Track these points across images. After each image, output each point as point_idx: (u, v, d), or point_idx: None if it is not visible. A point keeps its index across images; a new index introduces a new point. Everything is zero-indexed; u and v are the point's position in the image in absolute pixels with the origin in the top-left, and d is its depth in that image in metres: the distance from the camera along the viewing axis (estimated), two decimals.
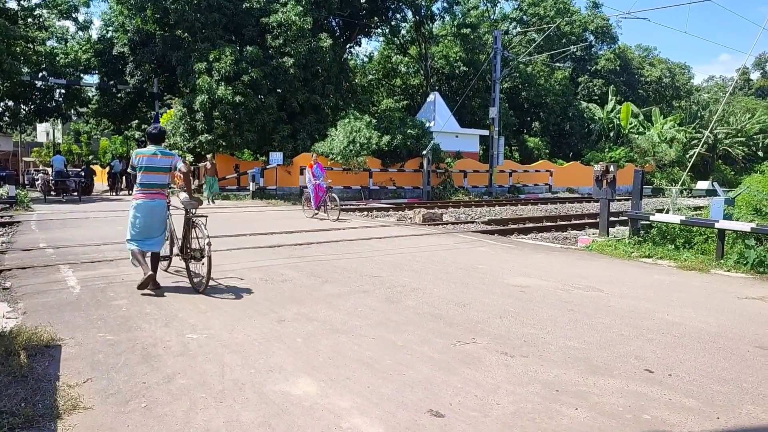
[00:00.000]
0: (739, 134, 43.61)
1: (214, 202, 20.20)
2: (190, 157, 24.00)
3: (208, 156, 21.47)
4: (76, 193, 21.18)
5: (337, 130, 24.50)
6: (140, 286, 6.01)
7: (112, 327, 4.75)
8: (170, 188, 6.65)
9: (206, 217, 6.32)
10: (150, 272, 6.04)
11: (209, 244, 5.95)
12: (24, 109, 31.60)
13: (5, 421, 2.98)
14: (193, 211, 6.41)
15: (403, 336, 4.68)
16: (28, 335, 4.25)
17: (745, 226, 8.20)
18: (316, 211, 14.68)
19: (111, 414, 3.17)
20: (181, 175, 6.39)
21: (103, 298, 5.72)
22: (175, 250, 6.88)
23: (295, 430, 3.03)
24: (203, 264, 6.07)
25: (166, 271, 7.06)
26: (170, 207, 6.53)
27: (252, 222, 13.54)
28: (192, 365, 3.93)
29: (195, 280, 6.29)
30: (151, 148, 6.29)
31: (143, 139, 35.48)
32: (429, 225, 14.51)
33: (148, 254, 6.20)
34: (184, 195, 6.44)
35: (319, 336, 4.64)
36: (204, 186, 20.71)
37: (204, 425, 3.06)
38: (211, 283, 6.17)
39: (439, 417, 3.22)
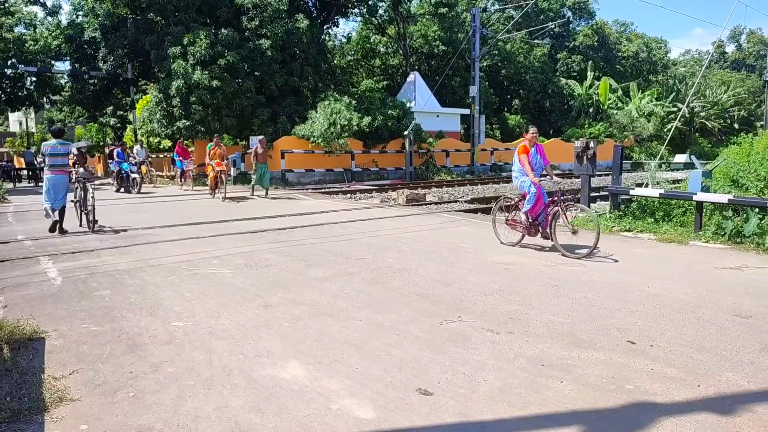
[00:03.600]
0: (715, 107, 44.16)
1: (267, 195, 16.18)
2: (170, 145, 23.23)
3: (260, 138, 16.96)
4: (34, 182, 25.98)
5: (317, 112, 24.22)
6: (50, 230, 9.14)
7: (96, 318, 4.70)
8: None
9: (92, 181, 9.95)
10: (56, 219, 9.16)
11: (93, 197, 9.47)
12: None
13: None
14: (84, 178, 9.77)
15: (390, 317, 4.71)
16: (11, 329, 4.19)
17: (723, 198, 8.34)
18: (532, 233, 7.62)
19: (99, 405, 3.16)
20: (75, 157, 10.02)
21: (85, 289, 5.65)
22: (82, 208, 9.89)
23: (285, 414, 3.04)
24: (91, 213, 9.52)
25: (82, 226, 9.83)
26: (78, 181, 9.77)
27: (235, 208, 13.42)
28: (179, 353, 3.91)
29: (91, 225, 9.51)
30: (54, 141, 9.27)
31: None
32: (412, 205, 14.53)
33: (57, 210, 9.16)
34: (81, 170, 9.95)
35: (306, 320, 4.64)
36: (253, 173, 16.59)
37: (193, 412, 3.06)
38: (193, 270, 6.34)
39: (428, 395, 3.25)
